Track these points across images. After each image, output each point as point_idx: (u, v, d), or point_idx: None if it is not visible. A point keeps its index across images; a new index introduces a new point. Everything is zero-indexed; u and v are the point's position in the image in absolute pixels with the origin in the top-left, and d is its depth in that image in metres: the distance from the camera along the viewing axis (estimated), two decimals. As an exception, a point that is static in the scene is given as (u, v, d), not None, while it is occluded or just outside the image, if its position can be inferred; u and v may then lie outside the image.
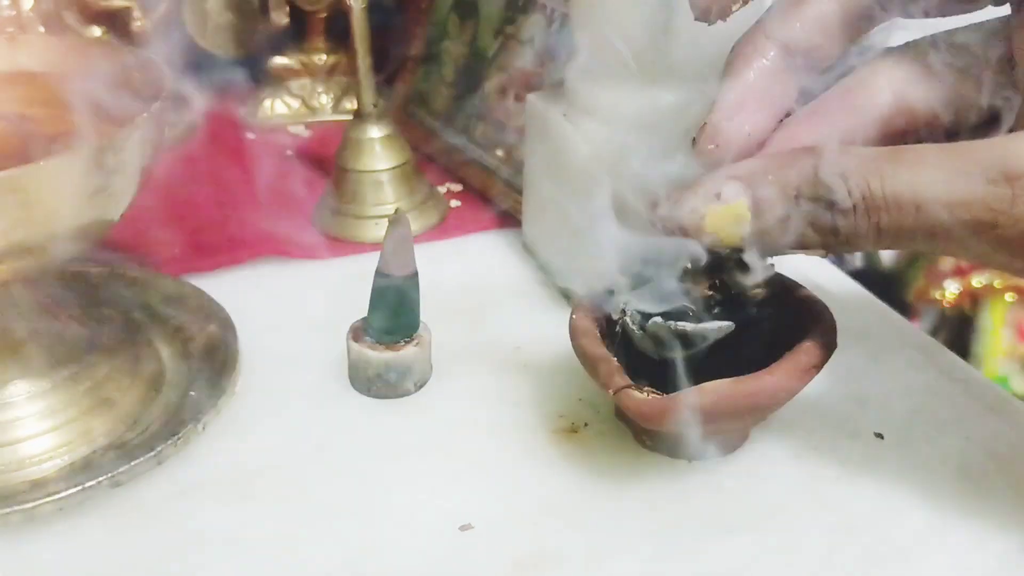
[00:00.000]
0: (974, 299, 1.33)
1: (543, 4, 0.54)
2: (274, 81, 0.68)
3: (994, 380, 1.32)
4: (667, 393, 0.34)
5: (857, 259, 1.27)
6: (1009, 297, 1.30)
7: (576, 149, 0.44)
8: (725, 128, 0.34)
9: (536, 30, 0.54)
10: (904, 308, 1.26)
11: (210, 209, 0.54)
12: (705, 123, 0.34)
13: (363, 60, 0.51)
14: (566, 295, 0.49)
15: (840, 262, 1.19)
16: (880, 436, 0.40)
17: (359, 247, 0.53)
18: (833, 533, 0.35)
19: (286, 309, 0.48)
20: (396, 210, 0.39)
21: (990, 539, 0.34)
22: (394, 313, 0.40)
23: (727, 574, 0.33)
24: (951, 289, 1.34)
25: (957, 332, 1.35)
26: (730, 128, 0.34)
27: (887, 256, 1.35)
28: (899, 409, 0.41)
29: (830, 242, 0.31)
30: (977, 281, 1.33)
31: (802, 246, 0.32)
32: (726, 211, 0.32)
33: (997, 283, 1.33)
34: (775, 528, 0.35)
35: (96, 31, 0.60)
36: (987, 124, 0.34)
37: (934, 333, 1.37)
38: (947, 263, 1.33)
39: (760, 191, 0.31)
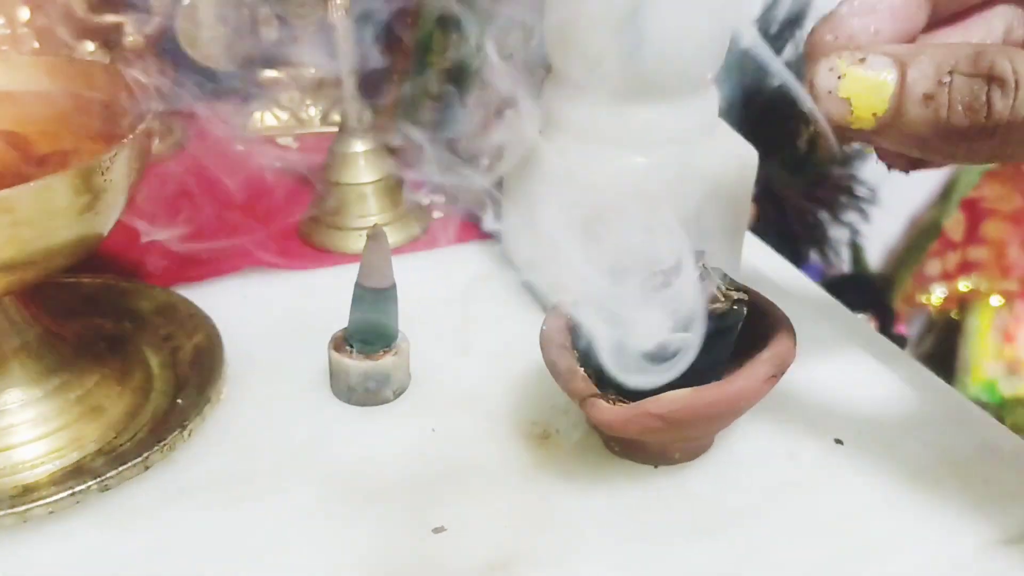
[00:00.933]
0: (961, 303, 1.34)
1: (522, 20, 0.55)
2: (264, 94, 0.70)
3: (982, 384, 1.34)
4: (635, 401, 0.36)
5: (844, 263, 1.29)
6: (995, 301, 1.31)
7: (552, 164, 0.46)
8: (850, 23, 0.31)
9: (516, 47, 0.56)
10: (891, 312, 1.28)
11: (199, 220, 0.56)
12: (830, 13, 0.31)
13: (347, 76, 0.52)
14: (543, 306, 0.50)
15: (821, 274, 1.20)
16: (840, 442, 0.41)
17: (344, 258, 0.54)
18: (796, 536, 0.36)
19: (272, 319, 0.49)
20: (374, 225, 0.40)
21: (945, 542, 0.36)
22: (372, 324, 0.42)
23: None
24: (938, 293, 1.36)
25: (945, 336, 1.36)
26: (855, 24, 0.31)
27: (875, 261, 1.37)
28: (858, 415, 0.43)
29: (976, 127, 0.28)
30: (964, 285, 1.35)
31: (941, 133, 0.29)
32: (869, 78, 0.29)
33: (984, 287, 1.35)
34: (740, 531, 0.37)
35: (89, 46, 0.62)
36: None
37: (922, 337, 1.39)
38: (934, 268, 1.35)
39: (912, 68, 0.29)
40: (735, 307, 0.38)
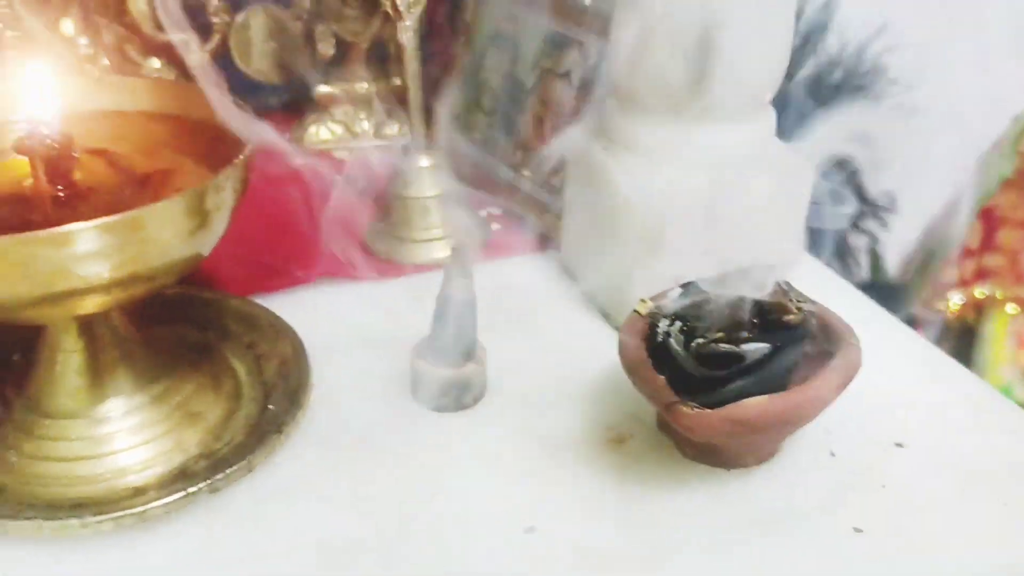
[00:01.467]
0: (977, 310, 1.37)
1: (579, 40, 0.58)
2: (318, 108, 0.72)
3: (997, 389, 1.36)
4: (706, 407, 0.38)
5: (864, 271, 1.31)
6: (1011, 308, 1.34)
7: (615, 181, 0.48)
8: None
9: (573, 65, 0.58)
10: (909, 319, 1.30)
11: (269, 233, 0.58)
12: None
13: (414, 95, 0.54)
14: (605, 315, 0.52)
15: (847, 274, 1.22)
16: (900, 445, 0.43)
17: (409, 269, 0.56)
18: (860, 535, 0.38)
19: (345, 328, 0.52)
20: (458, 240, 0.42)
21: (1007, 543, 0.38)
22: (455, 334, 0.44)
23: (765, 572, 0.37)
24: (955, 300, 1.38)
25: (960, 342, 1.38)
26: None
27: (892, 268, 1.39)
28: (917, 420, 0.45)
29: None
30: (980, 292, 1.37)
31: None
32: None
33: (999, 294, 1.37)
34: (807, 530, 0.39)
35: (155, 63, 0.64)
36: None
37: (938, 343, 1.40)
38: (951, 275, 1.37)
39: None
40: (806, 318, 0.40)
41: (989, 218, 1.34)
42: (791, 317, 0.39)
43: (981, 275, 1.35)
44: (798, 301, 0.41)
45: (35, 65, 0.42)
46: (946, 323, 1.40)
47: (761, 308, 0.40)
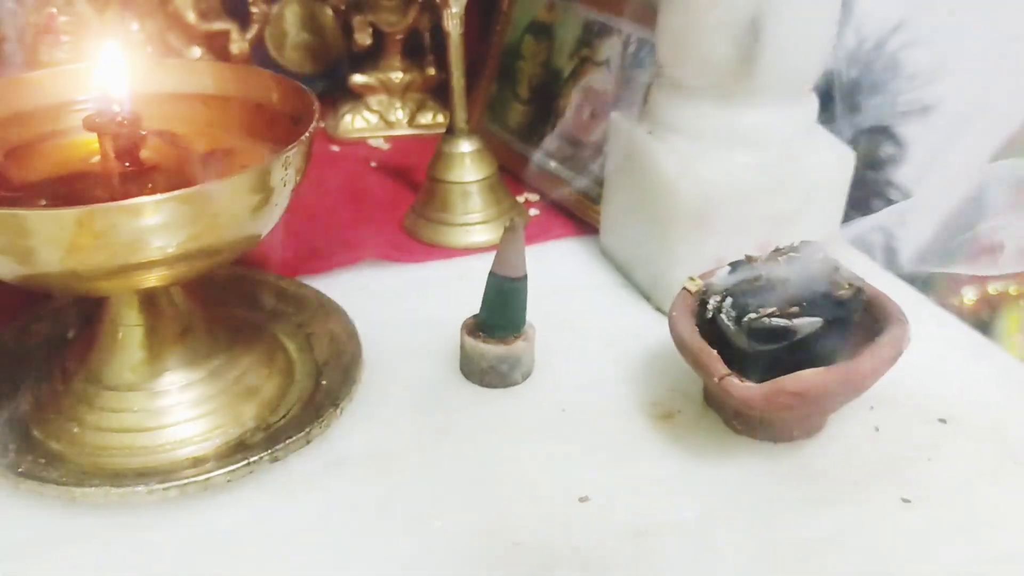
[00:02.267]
0: (991, 306, 1.37)
1: (619, 29, 0.59)
2: (354, 97, 0.73)
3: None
4: (757, 382, 0.39)
5: (879, 266, 1.32)
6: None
7: (661, 163, 0.49)
8: None
9: (612, 52, 0.59)
10: (924, 314, 1.31)
11: (314, 217, 0.59)
12: None
13: (457, 81, 0.55)
14: (646, 297, 0.53)
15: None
16: (943, 421, 0.44)
17: (450, 252, 0.57)
18: (907, 508, 0.39)
19: (393, 308, 0.52)
20: (512, 220, 0.43)
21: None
22: (506, 311, 0.45)
23: (815, 543, 0.38)
24: (968, 296, 1.39)
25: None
26: None
27: (907, 263, 1.39)
28: (958, 398, 0.45)
29: None
30: (993, 288, 1.38)
31: None
32: None
33: (1013, 290, 1.38)
34: (855, 502, 0.40)
35: (197, 52, 0.65)
36: None
37: (952, 338, 1.41)
38: (965, 270, 1.38)
39: None
40: (856, 294, 0.41)
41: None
42: (841, 292, 0.40)
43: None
44: (847, 277, 0.41)
45: (106, 46, 0.43)
46: (960, 319, 1.41)
47: (812, 284, 0.41)
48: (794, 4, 0.44)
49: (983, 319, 1.41)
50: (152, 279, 0.38)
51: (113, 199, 0.34)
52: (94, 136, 0.40)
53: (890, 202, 1.28)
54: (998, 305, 1.38)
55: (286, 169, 0.38)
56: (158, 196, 0.33)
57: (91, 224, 0.33)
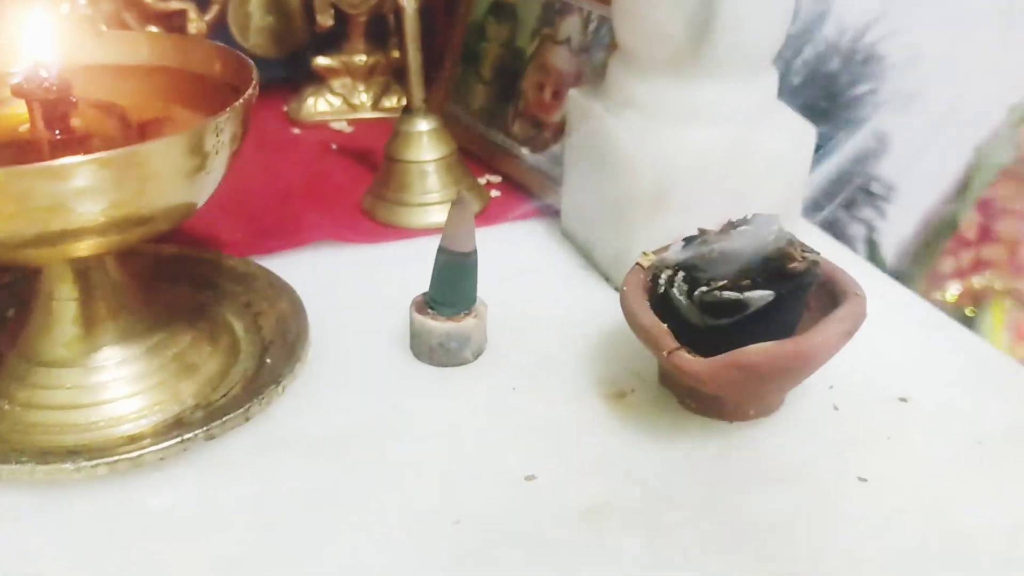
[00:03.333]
0: (975, 300, 1.36)
1: (579, 7, 0.58)
2: (317, 80, 0.72)
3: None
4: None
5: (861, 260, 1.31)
6: (1009, 300, 1.34)
7: (618, 140, 0.48)
8: None
9: (573, 31, 0.58)
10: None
11: (267, 198, 0.58)
12: None
13: (413, 59, 0.54)
14: (606, 277, 0.52)
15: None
16: (904, 400, 0.43)
17: (407, 232, 0.56)
18: (862, 489, 0.38)
19: (345, 289, 0.51)
20: (458, 192, 0.42)
21: (1013, 501, 0.38)
22: (455, 287, 0.44)
23: (767, 524, 0.37)
24: (952, 290, 1.38)
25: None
26: None
27: (890, 258, 1.39)
28: (919, 377, 0.44)
29: None
30: (978, 283, 1.37)
31: None
32: None
33: (997, 285, 1.37)
34: (810, 484, 0.39)
35: (153, 31, 0.64)
36: None
37: (935, 333, 1.40)
38: (948, 266, 1.37)
39: None
40: (810, 267, 0.39)
41: (987, 208, 1.34)
42: (795, 265, 0.39)
43: (979, 266, 1.35)
44: (802, 251, 0.40)
45: (34, 14, 0.42)
46: (943, 314, 1.40)
47: (765, 257, 0.40)
48: (749, -27, 0.43)
49: (967, 314, 1.40)
50: (83, 248, 0.37)
51: (43, 167, 0.33)
52: (24, 104, 0.39)
53: (872, 196, 1.28)
54: (982, 300, 1.37)
55: (218, 135, 0.36)
56: (78, 158, 0.32)
57: (8, 188, 0.32)
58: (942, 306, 1.37)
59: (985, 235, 1.36)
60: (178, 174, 0.36)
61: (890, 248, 1.38)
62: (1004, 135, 1.31)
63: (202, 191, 0.39)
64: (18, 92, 0.38)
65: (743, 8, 0.44)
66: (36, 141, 0.38)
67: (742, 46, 0.46)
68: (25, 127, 0.39)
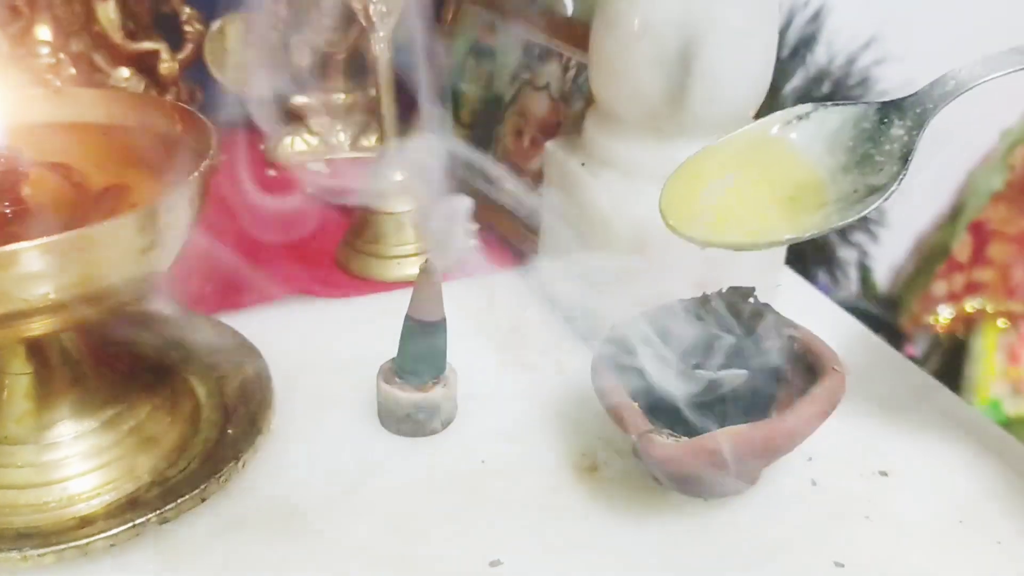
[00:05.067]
0: (967, 324, 1.35)
1: (559, 53, 0.56)
2: (294, 119, 0.70)
3: (987, 403, 1.35)
4: (684, 434, 0.36)
5: (853, 284, 1.30)
6: (1001, 323, 1.32)
7: (596, 199, 0.47)
8: None
9: (552, 77, 0.57)
10: (898, 333, 1.29)
11: (238, 249, 0.56)
12: None
13: (387, 108, 0.53)
14: (583, 336, 0.51)
15: (832, 290, 1.21)
16: (885, 474, 0.42)
17: (382, 286, 0.55)
18: (843, 569, 0.37)
19: (314, 347, 0.50)
20: (426, 260, 0.41)
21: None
22: (423, 356, 0.42)
23: (743, 609, 0.35)
24: (944, 314, 1.37)
25: (950, 356, 1.37)
26: None
27: (883, 282, 1.38)
28: (901, 448, 0.43)
29: None
30: (970, 306, 1.36)
31: None
32: None
33: (990, 308, 1.36)
34: (785, 566, 0.37)
35: (124, 72, 0.62)
36: None
37: (927, 357, 1.40)
38: (941, 290, 1.36)
39: None
40: (787, 343, 0.38)
41: (979, 232, 1.33)
42: (770, 342, 0.38)
43: (971, 289, 1.34)
44: (779, 325, 0.39)
45: (-10, 76, 0.40)
46: (936, 337, 1.39)
47: (739, 333, 0.39)
48: (726, 33, 0.42)
49: (959, 338, 1.39)
50: (34, 328, 0.35)
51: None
52: (-28, 172, 0.37)
53: (864, 220, 1.26)
54: (975, 323, 1.36)
55: (171, 212, 0.35)
56: (18, 245, 0.31)
57: (-56, 276, 0.31)
58: (934, 330, 1.36)
59: (977, 258, 1.35)
60: (131, 252, 0.35)
61: (882, 272, 1.37)
62: (996, 159, 1.30)
63: (159, 263, 0.37)
64: (-35, 164, 0.37)
65: (720, 66, 0.43)
66: (-15, 214, 0.37)
67: (721, 104, 0.45)
68: (-26, 197, 0.38)
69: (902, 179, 0.35)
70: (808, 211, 0.36)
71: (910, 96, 0.36)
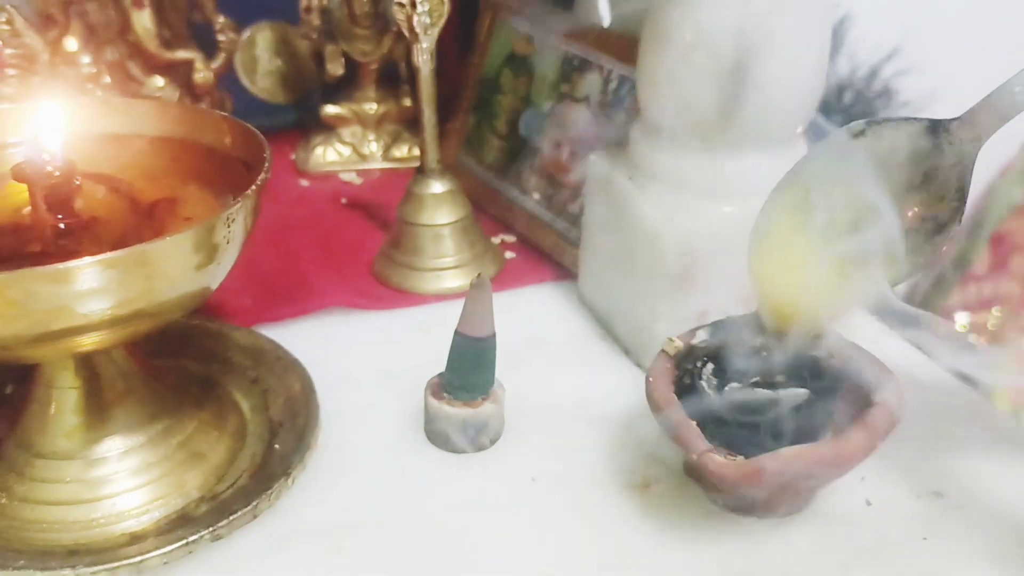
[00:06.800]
0: (988, 335, 1.35)
1: (599, 64, 0.56)
2: (326, 129, 0.70)
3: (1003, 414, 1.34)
4: (739, 453, 0.36)
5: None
6: (1018, 333, 1.32)
7: (643, 213, 0.46)
8: None
9: (592, 89, 0.56)
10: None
11: (276, 260, 0.56)
12: None
13: (428, 120, 0.52)
14: (626, 351, 0.50)
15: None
16: (939, 495, 0.41)
17: (420, 298, 0.54)
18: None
19: (356, 360, 0.49)
20: (479, 275, 0.40)
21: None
22: (473, 372, 0.42)
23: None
24: (961, 322, 1.36)
25: (969, 368, 1.36)
26: None
27: (901, 293, 1.37)
28: (954, 468, 0.43)
29: None
30: (989, 318, 1.35)
31: None
32: None
33: (1010, 320, 1.35)
34: (845, 585, 0.37)
35: (159, 81, 0.62)
36: None
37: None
38: (959, 301, 1.36)
39: None
40: (846, 363, 0.38)
41: (999, 244, 1.32)
42: (830, 362, 0.37)
43: (991, 301, 1.34)
44: (834, 345, 0.39)
45: (36, 86, 0.40)
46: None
47: (796, 352, 0.38)
48: (780, 47, 0.42)
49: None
50: (88, 343, 0.35)
51: (47, 256, 0.31)
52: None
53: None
54: (993, 335, 1.35)
55: (229, 227, 0.35)
56: (80, 261, 0.31)
57: (6, 292, 0.30)
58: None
59: (997, 271, 1.34)
60: (187, 268, 0.34)
61: (901, 284, 1.36)
62: (1016, 172, 1.29)
63: (214, 278, 0.37)
64: (19, 176, 0.36)
65: (774, 79, 0.43)
66: (39, 226, 0.37)
67: (772, 117, 0.44)
68: (27, 210, 0.37)
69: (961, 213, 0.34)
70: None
71: (963, 116, 0.35)
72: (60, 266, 0.30)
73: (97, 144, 0.42)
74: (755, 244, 0.37)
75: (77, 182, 0.37)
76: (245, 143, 0.41)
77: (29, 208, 0.37)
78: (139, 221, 0.39)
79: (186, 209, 0.40)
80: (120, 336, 0.36)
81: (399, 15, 0.50)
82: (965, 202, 0.35)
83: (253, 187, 0.36)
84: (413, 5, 0.49)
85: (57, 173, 0.36)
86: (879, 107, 1.18)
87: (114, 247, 0.32)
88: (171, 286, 0.34)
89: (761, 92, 0.42)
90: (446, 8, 0.50)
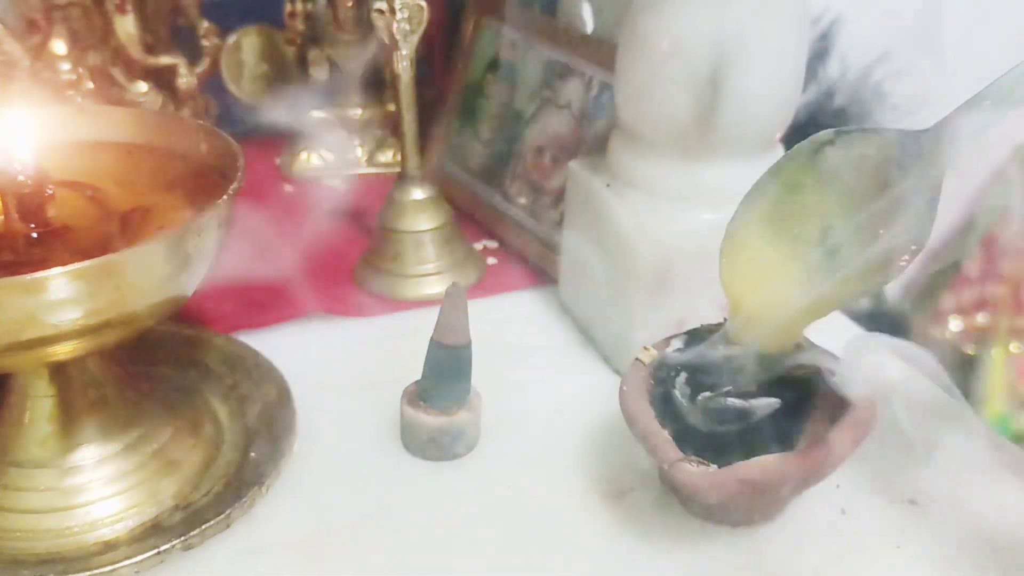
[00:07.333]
0: (977, 339, 1.35)
1: (581, 71, 0.56)
2: (310, 134, 0.70)
3: (996, 418, 1.34)
4: (711, 462, 0.36)
5: (863, 300, 1.30)
6: (1014, 348, 1.32)
7: (620, 219, 0.46)
8: None
9: (574, 95, 0.56)
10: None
11: (256, 267, 0.56)
12: None
13: (409, 126, 0.52)
14: (605, 358, 0.50)
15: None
16: (914, 502, 0.41)
17: (401, 305, 0.54)
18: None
19: (335, 367, 0.49)
20: (452, 283, 0.40)
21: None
22: (449, 380, 0.42)
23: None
24: (953, 327, 1.36)
25: (959, 371, 1.36)
26: None
27: (892, 295, 1.37)
28: (931, 477, 0.43)
29: None
30: (980, 321, 1.35)
31: None
32: None
33: (1001, 324, 1.35)
34: (817, 594, 0.37)
35: (143, 87, 0.62)
36: None
37: (936, 371, 1.39)
38: (950, 304, 1.36)
39: None
40: (818, 371, 0.38)
41: (991, 247, 1.33)
42: (801, 372, 0.37)
43: (982, 304, 1.34)
44: (807, 355, 0.39)
45: (16, 93, 0.40)
46: (945, 352, 1.38)
47: (769, 361, 0.38)
48: (756, 56, 0.42)
49: (968, 353, 1.38)
50: (60, 352, 0.35)
51: (18, 265, 0.31)
52: (-2, 193, 0.37)
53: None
54: (983, 338, 1.35)
55: (200, 236, 0.35)
56: (48, 272, 0.31)
57: (-29, 302, 0.30)
58: (943, 344, 1.36)
59: (989, 274, 1.35)
60: (158, 278, 0.34)
61: (892, 285, 1.36)
62: (1009, 175, 1.29)
63: (187, 287, 0.37)
64: (-10, 185, 0.36)
65: (751, 87, 0.43)
66: (11, 235, 0.37)
67: (749, 125, 0.44)
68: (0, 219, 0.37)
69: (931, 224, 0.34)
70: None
71: (931, 129, 0.35)
72: (27, 277, 0.30)
73: (71, 152, 0.42)
74: (726, 253, 0.37)
75: (50, 191, 0.37)
76: (220, 151, 0.41)
77: (1, 217, 0.37)
78: (113, 230, 0.39)
79: (160, 218, 0.40)
80: (93, 345, 0.36)
81: (379, 22, 0.50)
82: (935, 213, 0.34)
83: (224, 197, 0.36)
84: (392, 12, 0.49)
85: (29, 182, 0.36)
86: (869, 110, 1.18)
87: (87, 256, 0.32)
88: (142, 296, 0.34)
89: (738, 100, 0.43)
90: (425, 15, 0.50)
